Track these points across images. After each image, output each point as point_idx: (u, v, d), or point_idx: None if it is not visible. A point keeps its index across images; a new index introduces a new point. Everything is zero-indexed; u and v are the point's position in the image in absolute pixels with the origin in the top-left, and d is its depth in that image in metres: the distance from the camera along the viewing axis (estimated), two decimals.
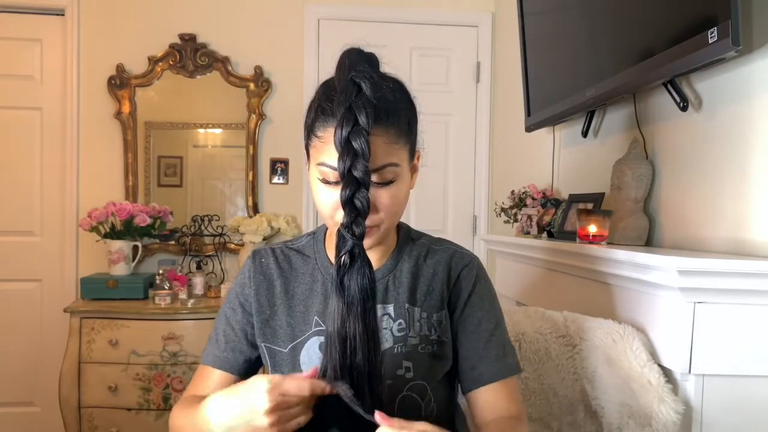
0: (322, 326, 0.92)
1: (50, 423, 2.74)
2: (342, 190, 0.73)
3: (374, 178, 0.80)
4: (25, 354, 2.81)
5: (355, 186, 0.73)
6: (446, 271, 0.96)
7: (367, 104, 0.74)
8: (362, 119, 0.73)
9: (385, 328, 0.91)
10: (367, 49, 0.83)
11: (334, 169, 0.78)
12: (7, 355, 2.80)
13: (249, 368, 0.97)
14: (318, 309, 0.93)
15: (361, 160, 0.73)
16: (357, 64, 0.78)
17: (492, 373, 0.92)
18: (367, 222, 0.79)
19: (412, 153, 0.88)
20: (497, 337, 0.95)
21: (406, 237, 0.99)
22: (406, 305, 0.93)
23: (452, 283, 0.96)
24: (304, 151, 0.88)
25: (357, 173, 0.73)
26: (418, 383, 0.90)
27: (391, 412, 0.85)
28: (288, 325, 0.93)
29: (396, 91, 0.84)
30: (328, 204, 0.83)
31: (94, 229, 2.57)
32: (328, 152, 0.79)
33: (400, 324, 0.91)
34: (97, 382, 2.38)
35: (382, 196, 0.82)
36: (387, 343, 0.90)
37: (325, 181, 0.82)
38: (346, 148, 0.73)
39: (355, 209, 0.74)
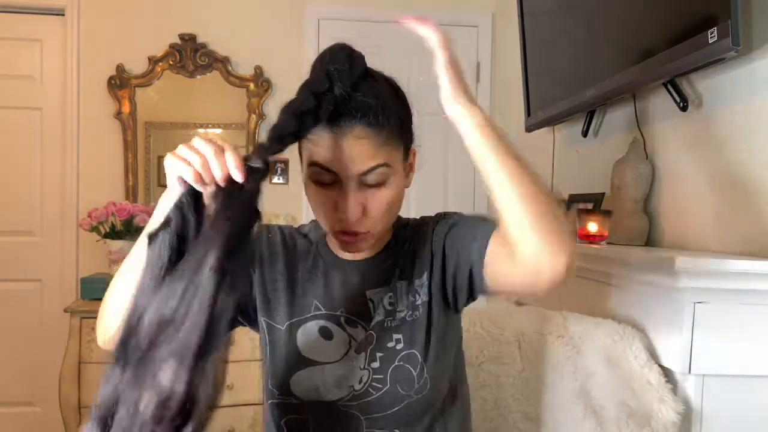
0: (321, 310, 0.93)
1: (50, 423, 2.74)
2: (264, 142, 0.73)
3: (364, 180, 0.81)
4: (25, 354, 2.80)
5: (273, 149, 0.73)
6: (422, 234, 0.94)
7: (331, 102, 0.75)
8: (322, 111, 0.75)
9: (378, 303, 0.91)
10: (357, 48, 0.82)
11: (327, 170, 0.80)
12: (7, 355, 2.80)
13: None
14: (318, 294, 0.93)
15: (290, 139, 0.74)
16: (336, 61, 0.78)
17: (484, 233, 0.86)
18: (358, 227, 0.81)
19: (407, 152, 0.88)
20: (471, 222, 0.92)
21: (399, 228, 0.98)
22: (394, 281, 0.93)
23: (429, 238, 0.94)
24: (298, 153, 0.89)
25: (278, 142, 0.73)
26: (409, 353, 0.90)
27: (384, 384, 0.85)
28: (287, 304, 0.94)
29: (385, 90, 0.84)
30: (322, 205, 0.83)
31: (94, 229, 2.57)
32: (319, 153, 0.80)
33: (390, 297, 0.92)
34: (98, 382, 2.36)
35: (372, 199, 0.82)
36: (378, 316, 0.91)
37: (319, 182, 0.82)
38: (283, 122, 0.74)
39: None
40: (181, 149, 0.70)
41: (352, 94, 0.77)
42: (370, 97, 0.79)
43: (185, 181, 0.69)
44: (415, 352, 0.90)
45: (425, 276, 0.93)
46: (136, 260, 0.73)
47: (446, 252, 0.91)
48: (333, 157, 0.79)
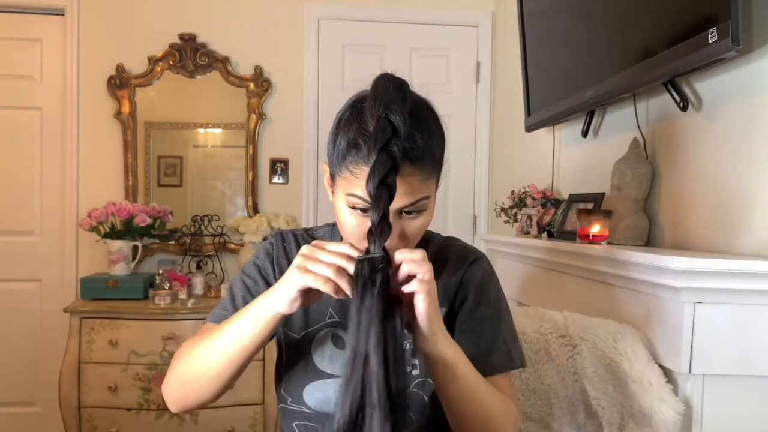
0: (335, 318, 0.93)
1: (50, 423, 2.74)
2: (373, 230, 0.74)
3: (405, 211, 0.82)
4: (25, 354, 2.81)
5: (387, 231, 0.74)
6: (453, 269, 0.97)
7: (399, 148, 0.74)
8: (396, 163, 0.73)
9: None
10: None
11: (366, 201, 0.79)
12: (7, 355, 2.80)
13: None
14: (332, 302, 0.93)
15: (388, 205, 0.73)
16: (392, 101, 0.75)
17: (497, 364, 0.92)
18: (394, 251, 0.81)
19: (439, 177, 0.89)
20: (504, 331, 0.95)
21: (421, 240, 0.98)
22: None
23: (459, 279, 0.96)
24: (327, 168, 0.88)
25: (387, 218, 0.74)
26: (423, 381, 0.90)
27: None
28: (303, 313, 0.94)
29: (430, 122, 0.84)
30: (356, 229, 0.83)
31: (94, 229, 2.57)
32: (362, 186, 0.78)
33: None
34: (97, 382, 2.38)
35: (411, 227, 0.83)
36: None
37: (354, 208, 0.82)
38: (380, 194, 0.72)
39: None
40: (313, 265, 0.73)
41: (410, 130, 0.76)
42: (419, 134, 0.78)
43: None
44: (430, 381, 0.89)
45: (445, 311, 0.93)
46: (232, 345, 0.81)
47: (462, 318, 0.94)
48: None
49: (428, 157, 0.81)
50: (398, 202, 0.79)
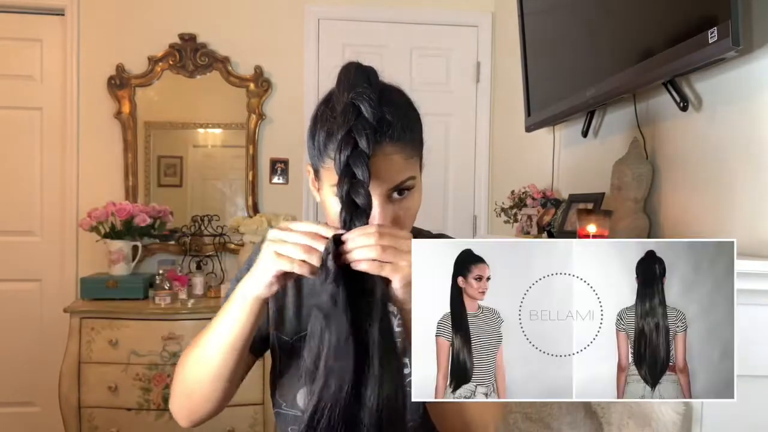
0: None
1: (50, 423, 2.74)
2: (340, 213, 0.73)
3: (393, 194, 0.81)
4: (25, 354, 2.80)
5: (353, 209, 0.72)
6: None
7: (367, 127, 0.73)
8: (362, 143, 0.72)
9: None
10: (365, 63, 0.82)
11: None
12: (7, 355, 2.80)
13: (262, 346, 0.96)
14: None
15: (361, 185, 0.71)
16: (356, 84, 0.76)
17: None
18: None
19: (422, 161, 0.89)
20: None
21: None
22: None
23: None
24: (311, 169, 0.88)
25: (358, 199, 0.72)
26: None
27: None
28: (295, 317, 0.94)
29: (402, 103, 0.84)
30: None
31: (94, 229, 2.57)
32: None
33: (399, 320, 0.92)
34: (97, 382, 2.38)
35: (400, 211, 0.83)
36: None
37: None
38: (344, 173, 0.72)
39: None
40: (284, 248, 0.72)
41: (378, 111, 0.75)
42: (393, 113, 0.79)
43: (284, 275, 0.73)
44: None
45: None
46: (220, 345, 0.79)
47: None
48: None
49: (408, 133, 0.81)
50: (384, 183, 0.79)
